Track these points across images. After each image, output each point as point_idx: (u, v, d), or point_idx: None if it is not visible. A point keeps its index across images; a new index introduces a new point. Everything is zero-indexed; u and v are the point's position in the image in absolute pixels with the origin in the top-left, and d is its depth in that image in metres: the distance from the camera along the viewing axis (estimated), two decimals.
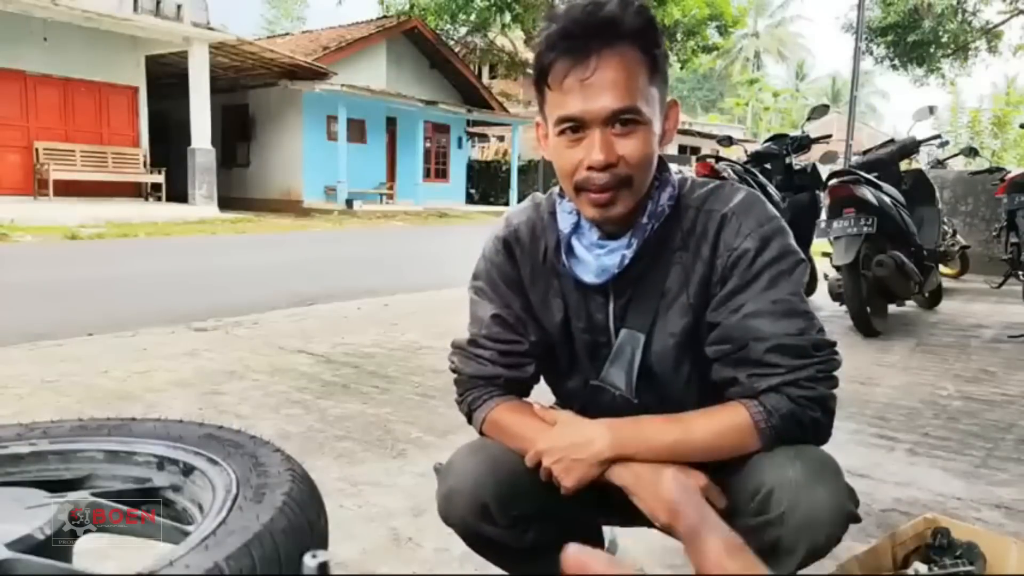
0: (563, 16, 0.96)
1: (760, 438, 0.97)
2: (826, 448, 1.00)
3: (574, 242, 1.07)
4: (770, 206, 1.05)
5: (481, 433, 1.14)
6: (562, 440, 1.01)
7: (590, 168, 0.97)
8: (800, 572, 0.95)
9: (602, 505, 1.08)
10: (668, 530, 1.01)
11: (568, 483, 0.99)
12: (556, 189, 1.11)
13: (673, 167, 1.11)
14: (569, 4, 0.97)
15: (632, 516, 1.01)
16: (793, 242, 1.03)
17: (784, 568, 0.94)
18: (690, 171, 5.19)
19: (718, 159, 4.86)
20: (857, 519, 0.96)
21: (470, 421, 1.16)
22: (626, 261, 1.03)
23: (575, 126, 0.96)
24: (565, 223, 1.08)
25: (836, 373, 0.99)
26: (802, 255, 1.03)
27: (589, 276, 1.06)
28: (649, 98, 0.96)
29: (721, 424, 0.98)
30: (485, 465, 1.04)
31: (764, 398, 0.97)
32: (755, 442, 0.97)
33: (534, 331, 1.13)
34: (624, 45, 0.94)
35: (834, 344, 1.00)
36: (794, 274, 1.01)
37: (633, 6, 0.95)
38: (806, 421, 0.96)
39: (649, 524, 1.01)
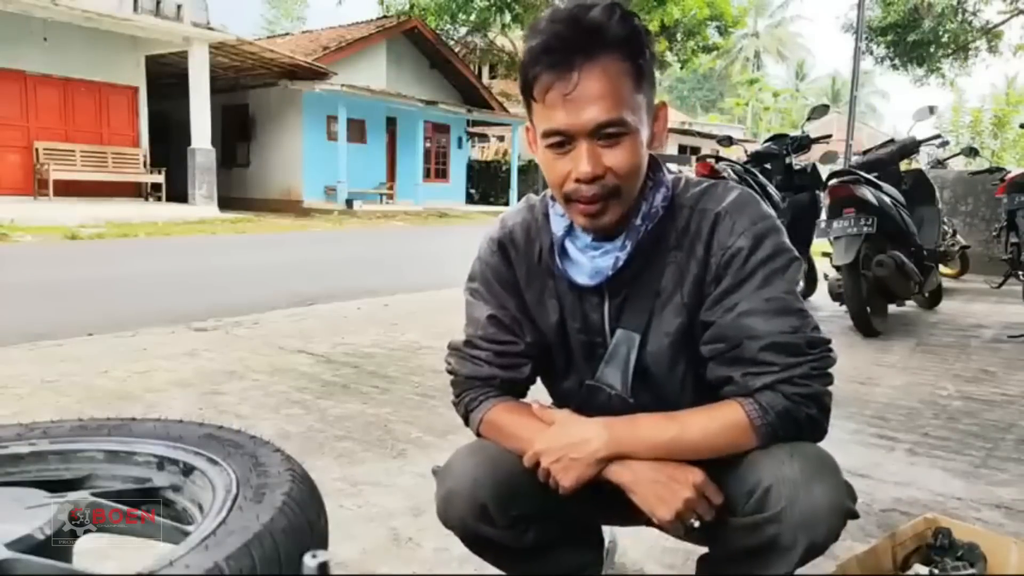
0: (545, 28, 0.94)
1: (756, 436, 0.97)
2: (826, 447, 1.00)
3: (567, 244, 1.08)
4: (764, 204, 1.05)
5: (478, 434, 1.14)
6: (559, 440, 1.01)
7: (578, 180, 0.97)
8: (799, 571, 0.95)
9: (601, 504, 1.08)
10: (667, 528, 1.01)
11: (566, 483, 0.99)
12: (550, 191, 1.11)
13: (673, 167, 1.11)
14: (553, 11, 0.95)
15: (631, 515, 1.01)
16: (787, 240, 1.03)
17: (783, 565, 0.94)
18: (690, 171, 5.19)
19: (718, 159, 4.86)
20: (855, 515, 0.96)
21: (467, 423, 1.16)
22: (619, 263, 1.03)
23: (561, 140, 0.96)
24: (558, 225, 1.08)
25: (831, 370, 0.99)
26: (796, 253, 1.03)
27: (583, 278, 1.06)
28: (635, 107, 0.96)
29: (717, 422, 0.98)
30: (484, 466, 1.04)
31: (759, 396, 0.97)
32: (751, 440, 0.97)
33: (530, 332, 1.13)
34: (607, 56, 0.93)
35: (828, 341, 1.00)
36: (788, 272, 1.01)
37: (617, 14, 0.93)
38: (801, 418, 0.96)
39: (648, 523, 1.02)
